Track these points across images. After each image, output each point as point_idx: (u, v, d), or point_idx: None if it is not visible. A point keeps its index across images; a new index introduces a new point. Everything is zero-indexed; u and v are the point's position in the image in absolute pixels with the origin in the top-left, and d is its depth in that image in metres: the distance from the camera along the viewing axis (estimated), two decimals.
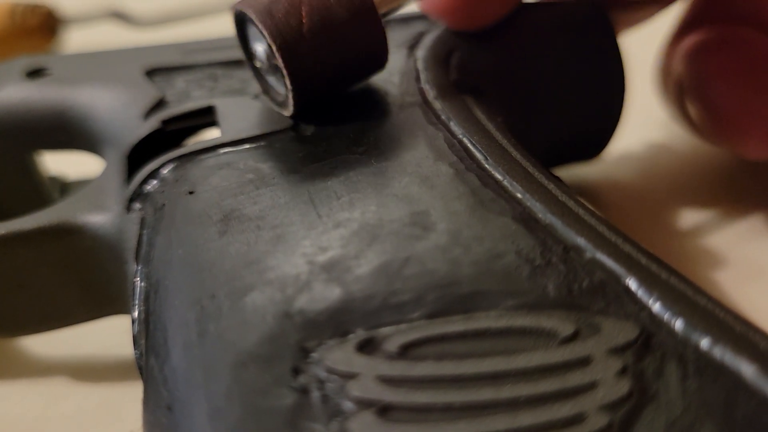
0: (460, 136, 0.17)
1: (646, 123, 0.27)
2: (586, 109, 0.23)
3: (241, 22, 0.18)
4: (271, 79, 0.18)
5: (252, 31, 0.18)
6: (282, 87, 0.18)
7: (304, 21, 0.17)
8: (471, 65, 0.20)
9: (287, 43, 0.17)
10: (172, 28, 0.40)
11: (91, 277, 0.18)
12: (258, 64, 0.18)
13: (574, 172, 0.25)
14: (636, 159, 0.26)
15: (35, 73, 0.22)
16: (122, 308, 0.18)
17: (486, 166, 0.16)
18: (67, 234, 0.18)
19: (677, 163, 0.26)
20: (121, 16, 0.40)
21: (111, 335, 0.20)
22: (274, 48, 0.17)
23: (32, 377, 0.20)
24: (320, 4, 0.17)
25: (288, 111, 0.18)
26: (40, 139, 0.22)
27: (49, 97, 0.21)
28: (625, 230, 0.15)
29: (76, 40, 0.41)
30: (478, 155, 0.16)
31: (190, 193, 0.16)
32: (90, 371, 0.20)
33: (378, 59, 0.18)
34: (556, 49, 0.22)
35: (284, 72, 0.17)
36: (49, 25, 0.39)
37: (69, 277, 0.18)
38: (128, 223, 0.17)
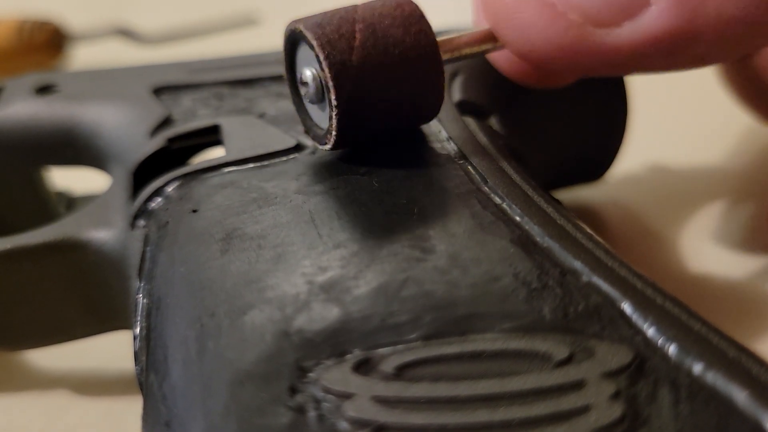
0: (461, 158, 0.17)
1: (649, 145, 0.27)
2: (588, 131, 0.23)
3: (293, 42, 0.17)
4: (314, 110, 0.18)
5: (302, 54, 0.17)
6: (325, 118, 0.17)
7: (357, 45, 0.16)
8: (473, 88, 0.21)
9: (340, 64, 0.16)
10: (178, 46, 0.41)
11: (94, 292, 0.19)
12: (303, 91, 0.17)
13: (576, 194, 0.25)
14: (638, 181, 0.26)
15: (44, 90, 0.22)
16: (124, 324, 0.19)
17: (486, 188, 0.16)
18: (72, 249, 0.18)
19: (680, 185, 0.26)
20: (127, 34, 0.41)
21: (113, 349, 0.20)
22: (326, 68, 0.16)
23: (34, 390, 0.20)
24: (380, 33, 0.16)
25: (329, 143, 0.17)
26: (47, 155, 0.22)
27: (58, 113, 0.22)
28: (626, 253, 0.15)
29: (82, 57, 0.41)
30: (478, 178, 0.16)
31: (194, 211, 0.17)
32: (92, 385, 0.20)
33: (431, 106, 0.17)
34: None
35: (332, 95, 0.16)
36: (56, 42, 0.39)
37: (72, 292, 0.19)
38: (132, 240, 0.18)
